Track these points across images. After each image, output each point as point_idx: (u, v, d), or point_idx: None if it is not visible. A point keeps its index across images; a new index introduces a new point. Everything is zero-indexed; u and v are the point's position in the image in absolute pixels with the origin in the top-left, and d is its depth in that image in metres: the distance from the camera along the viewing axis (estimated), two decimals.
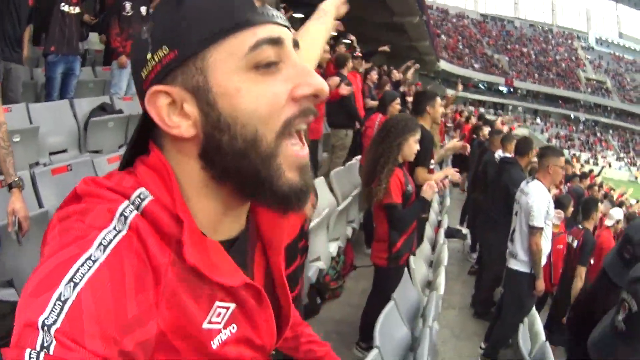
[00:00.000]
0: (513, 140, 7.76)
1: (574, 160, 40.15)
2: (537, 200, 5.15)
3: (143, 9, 7.57)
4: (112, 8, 7.83)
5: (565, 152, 31.65)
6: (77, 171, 4.89)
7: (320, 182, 6.36)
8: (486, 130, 11.36)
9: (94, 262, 0.73)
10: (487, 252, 7.15)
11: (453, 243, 8.90)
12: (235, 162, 0.85)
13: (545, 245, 5.25)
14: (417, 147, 4.55)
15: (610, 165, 63.48)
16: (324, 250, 5.67)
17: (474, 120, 16.56)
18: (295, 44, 0.92)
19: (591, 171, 24.94)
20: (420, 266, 5.54)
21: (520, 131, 45.76)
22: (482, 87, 71.40)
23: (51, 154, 6.03)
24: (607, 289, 4.74)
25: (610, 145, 70.89)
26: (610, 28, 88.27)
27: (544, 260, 5.24)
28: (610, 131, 73.46)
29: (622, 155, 69.53)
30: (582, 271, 6.48)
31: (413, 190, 4.65)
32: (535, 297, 5.39)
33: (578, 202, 8.91)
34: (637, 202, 25.32)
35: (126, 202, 0.82)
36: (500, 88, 71.90)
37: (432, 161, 5.62)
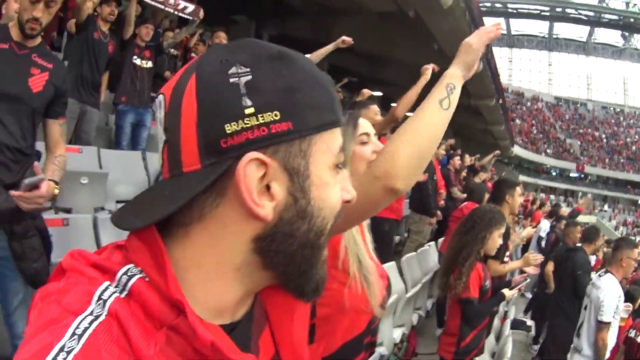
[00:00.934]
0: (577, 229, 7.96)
1: None
2: (609, 295, 5.08)
3: None
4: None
5: (632, 238, 30.86)
6: None
7: (390, 267, 6.16)
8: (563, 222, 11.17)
9: (68, 353, 0.64)
10: (552, 341, 6.89)
11: (516, 335, 8.80)
12: (299, 252, 0.81)
13: (612, 339, 5.19)
14: (500, 241, 4.40)
15: None
16: (388, 335, 5.52)
17: (546, 208, 16.22)
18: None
19: None
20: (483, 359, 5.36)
21: (588, 218, 44.87)
22: (554, 174, 70.80)
23: (118, 202, 6.03)
24: None
25: None
26: None
27: (607, 356, 5.20)
28: None
29: None
30: None
31: (490, 285, 4.46)
32: None
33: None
34: None
35: (106, 283, 0.72)
36: (572, 175, 71.10)
37: (507, 253, 5.46)
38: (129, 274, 0.74)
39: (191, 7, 8.32)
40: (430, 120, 1.48)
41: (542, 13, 75.64)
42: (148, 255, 0.76)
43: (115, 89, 7.55)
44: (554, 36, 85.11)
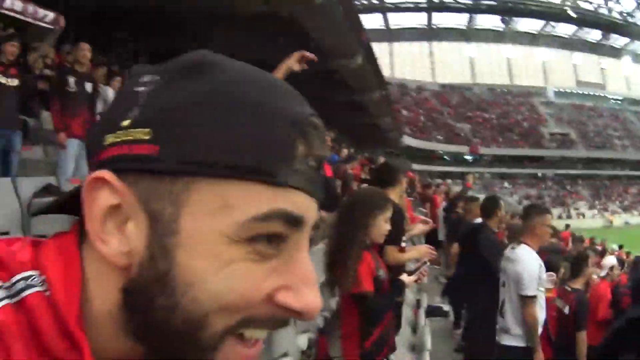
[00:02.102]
0: (477, 203, 7.86)
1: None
2: (527, 266, 4.80)
3: (88, 86, 7.41)
4: (53, 83, 7.68)
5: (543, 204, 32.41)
6: None
7: None
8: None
9: None
10: (476, 325, 6.67)
11: (435, 322, 8.52)
12: (160, 340, 0.60)
13: (541, 313, 4.91)
14: (387, 226, 3.87)
15: (584, 216, 65.85)
16: (292, 344, 5.02)
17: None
18: (316, 227, 0.64)
19: (567, 226, 25.04)
20: (403, 356, 5.21)
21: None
22: (447, 159, 72.54)
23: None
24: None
25: (581, 196, 72.67)
26: (568, 78, 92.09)
27: (540, 330, 4.90)
28: (580, 181, 75.66)
29: (594, 202, 71.42)
30: (583, 336, 6.01)
31: (386, 275, 3.96)
32: None
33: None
34: (620, 247, 24.67)
35: None
36: (466, 157, 73.18)
37: (403, 238, 5.03)
38: (29, 281, 0.59)
39: (51, 16, 8.11)
40: None
41: (420, 5, 77.78)
42: (60, 268, 0.61)
43: None
44: (434, 26, 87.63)
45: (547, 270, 5.67)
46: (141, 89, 0.61)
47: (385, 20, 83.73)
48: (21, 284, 0.58)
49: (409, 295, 7.46)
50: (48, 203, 0.71)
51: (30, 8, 8.12)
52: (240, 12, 14.48)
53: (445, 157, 72.25)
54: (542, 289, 4.93)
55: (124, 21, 15.76)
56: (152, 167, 0.57)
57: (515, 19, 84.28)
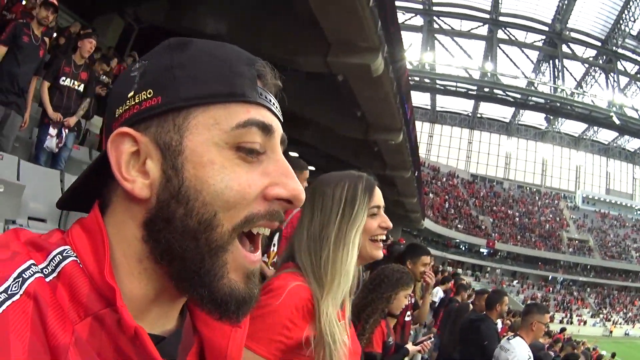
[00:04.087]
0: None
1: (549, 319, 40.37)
2: (518, 355, 5.04)
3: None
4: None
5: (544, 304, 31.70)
6: None
7: None
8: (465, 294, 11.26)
9: None
10: None
11: None
12: (181, 242, 0.74)
13: None
14: (405, 301, 4.43)
15: (585, 323, 64.18)
16: None
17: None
18: (283, 141, 0.85)
19: (563, 329, 25.29)
20: None
21: None
22: (463, 249, 71.43)
23: (30, 218, 5.87)
24: None
25: (587, 304, 70.71)
26: (598, 185, 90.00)
27: None
28: (588, 289, 73.58)
29: (598, 311, 69.50)
30: None
31: (393, 342, 4.50)
32: None
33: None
34: (613, 355, 26.39)
35: (29, 262, 0.68)
36: (482, 250, 72.00)
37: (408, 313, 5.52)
38: (63, 254, 0.72)
39: None
40: None
41: (470, 92, 77.58)
42: (87, 241, 0.75)
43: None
44: (478, 115, 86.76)
45: None
46: (135, 73, 0.80)
47: (433, 100, 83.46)
48: (58, 258, 0.71)
49: None
50: (65, 193, 0.87)
51: None
52: (298, 67, 14.36)
53: (461, 246, 71.15)
54: None
55: None
56: (158, 111, 0.76)
57: (559, 120, 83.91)
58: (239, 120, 0.77)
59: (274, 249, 5.29)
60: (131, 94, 0.77)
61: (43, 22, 6.58)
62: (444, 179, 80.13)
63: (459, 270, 43.55)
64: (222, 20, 13.84)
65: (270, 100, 0.83)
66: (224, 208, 0.75)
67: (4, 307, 0.62)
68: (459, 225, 71.40)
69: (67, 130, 6.99)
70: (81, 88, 7.16)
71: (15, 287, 0.64)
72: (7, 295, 0.63)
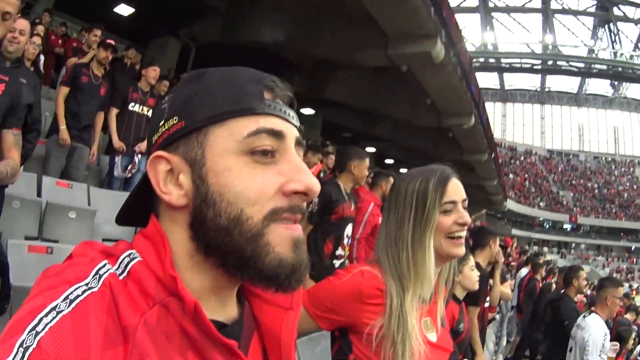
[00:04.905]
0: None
1: (634, 292, 40.58)
2: (594, 334, 5.05)
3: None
4: None
5: (625, 285, 31.11)
6: None
7: None
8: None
9: (57, 313, 0.72)
10: None
11: None
12: (217, 238, 0.85)
13: None
14: (474, 275, 4.13)
15: None
16: None
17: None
18: (299, 143, 0.93)
19: None
20: None
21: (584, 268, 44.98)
22: (547, 227, 70.55)
23: (105, 239, 5.98)
24: None
25: None
26: None
27: None
28: None
29: None
30: None
31: (465, 329, 4.12)
32: None
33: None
34: None
35: (104, 262, 0.81)
36: (565, 226, 70.89)
37: (487, 298, 5.52)
38: (131, 256, 0.84)
39: None
40: None
41: (535, 67, 76.34)
42: (150, 244, 0.87)
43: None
44: (546, 89, 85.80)
45: (616, 340, 6.01)
46: (165, 105, 0.92)
47: (501, 79, 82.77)
48: (126, 260, 0.83)
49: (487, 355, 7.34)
50: (121, 210, 1.00)
51: None
52: (360, 64, 14.68)
53: (545, 224, 70.28)
54: (604, 357, 5.15)
55: (239, 57, 16.21)
56: (183, 132, 0.87)
57: (624, 84, 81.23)
58: (250, 130, 0.86)
59: (346, 241, 5.36)
60: (162, 122, 0.90)
61: (103, 62, 6.81)
62: (522, 158, 79.01)
63: (545, 249, 42.71)
64: (278, 29, 14.08)
65: (281, 109, 0.91)
66: (247, 204, 0.84)
67: (85, 294, 0.74)
68: (540, 203, 70.61)
69: (139, 155, 7.14)
70: (150, 113, 7.28)
71: (94, 282, 0.77)
72: (87, 287, 0.75)
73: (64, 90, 6.49)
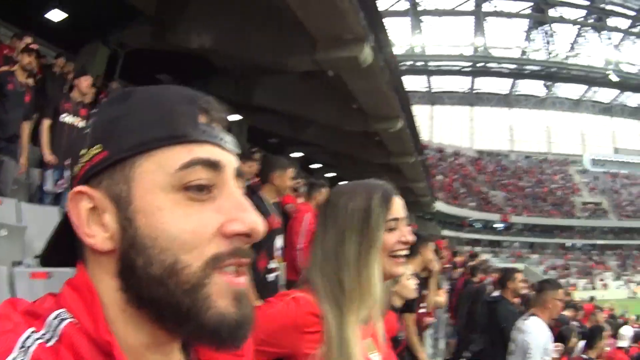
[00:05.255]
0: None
1: (572, 289, 41.33)
2: (535, 337, 4.96)
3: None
4: None
5: (562, 281, 31.97)
6: (57, 279, 4.65)
7: None
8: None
9: None
10: None
11: None
12: (150, 290, 0.74)
13: None
14: (412, 284, 4.28)
15: (606, 287, 62.92)
16: None
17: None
18: (239, 174, 0.82)
19: (592, 298, 24.85)
20: None
21: (517, 266, 45.79)
22: (478, 227, 70.97)
23: (37, 257, 5.67)
24: None
25: (608, 267, 69.71)
26: (605, 145, 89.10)
27: None
28: (607, 252, 72.49)
29: (620, 273, 68.37)
30: None
31: (404, 337, 4.41)
32: None
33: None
34: (638, 317, 25.00)
35: (29, 330, 0.70)
36: (496, 225, 71.61)
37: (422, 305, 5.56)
38: (60, 317, 0.73)
39: None
40: None
41: (464, 69, 77.38)
42: (79, 299, 0.76)
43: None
44: (476, 91, 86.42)
45: (558, 340, 5.93)
46: (88, 129, 0.81)
47: (429, 82, 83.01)
48: (55, 322, 0.72)
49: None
50: (44, 250, 0.92)
51: None
52: (289, 69, 14.52)
53: (475, 224, 70.76)
54: (548, 358, 5.06)
55: (168, 63, 16.14)
56: (106, 164, 0.76)
57: (557, 84, 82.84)
58: (182, 162, 0.75)
59: (278, 253, 5.23)
60: (84, 151, 0.79)
61: (27, 67, 6.64)
62: (450, 159, 79.85)
63: (477, 249, 43.44)
64: (207, 35, 13.91)
65: (217, 135, 0.80)
66: (184, 250, 0.73)
67: None
68: (471, 204, 71.00)
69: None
70: (82, 124, 7.03)
71: (21, 356, 0.66)
72: None
73: None
